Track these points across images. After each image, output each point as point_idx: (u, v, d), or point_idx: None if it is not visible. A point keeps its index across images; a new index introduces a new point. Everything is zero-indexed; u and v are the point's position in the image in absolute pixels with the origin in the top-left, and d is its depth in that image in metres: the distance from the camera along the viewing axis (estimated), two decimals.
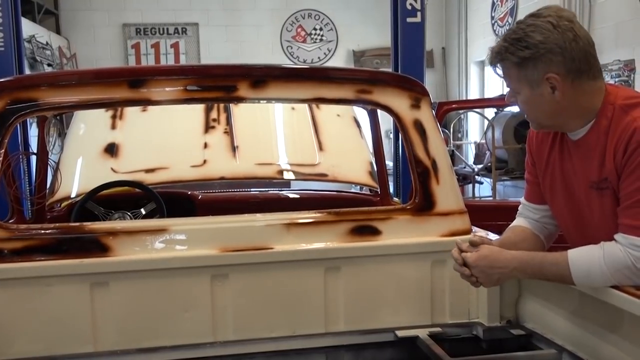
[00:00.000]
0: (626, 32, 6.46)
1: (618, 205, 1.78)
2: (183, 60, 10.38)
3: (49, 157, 3.56)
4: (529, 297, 2.28)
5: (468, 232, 2.33)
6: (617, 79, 6.48)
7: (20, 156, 3.73)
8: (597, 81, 1.83)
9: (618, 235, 1.75)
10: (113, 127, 3.95)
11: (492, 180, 7.15)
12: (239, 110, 4.07)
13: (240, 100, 2.40)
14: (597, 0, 6.91)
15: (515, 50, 1.79)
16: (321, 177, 4.04)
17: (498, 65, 1.87)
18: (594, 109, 1.82)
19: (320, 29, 10.82)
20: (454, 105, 6.68)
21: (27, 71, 6.44)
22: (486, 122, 7.96)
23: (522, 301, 2.31)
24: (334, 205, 2.55)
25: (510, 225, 2.16)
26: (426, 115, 2.37)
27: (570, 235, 2.03)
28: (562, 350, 2.03)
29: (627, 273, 1.72)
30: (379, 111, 2.90)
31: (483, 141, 8.26)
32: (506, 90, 1.95)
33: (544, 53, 1.76)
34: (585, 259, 1.78)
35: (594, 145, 1.83)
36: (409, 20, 4.87)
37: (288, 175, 4.18)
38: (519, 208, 2.17)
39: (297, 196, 4.26)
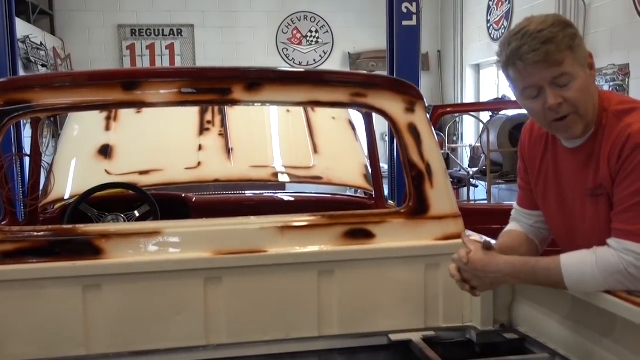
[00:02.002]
0: (621, 36, 6.48)
1: (612, 211, 1.78)
2: (178, 62, 10.36)
3: (43, 158, 3.55)
4: (522, 301, 2.28)
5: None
6: (611, 84, 6.50)
7: (14, 157, 3.71)
8: None
9: (611, 240, 1.74)
10: (107, 128, 3.94)
11: (487, 183, 7.17)
12: (233, 113, 4.07)
13: (235, 102, 2.40)
14: (592, 4, 6.93)
15: (565, 29, 1.71)
16: (316, 179, 4.04)
17: (532, 60, 1.69)
18: (596, 105, 1.80)
19: (316, 31, 10.81)
20: (448, 109, 6.71)
21: (21, 72, 6.41)
22: (481, 126, 7.98)
23: (516, 305, 2.31)
24: (328, 208, 2.55)
25: (505, 230, 2.15)
26: (421, 119, 2.37)
27: (561, 241, 2.03)
28: (555, 354, 2.03)
29: (619, 278, 1.71)
30: (374, 114, 2.90)
31: (478, 144, 8.27)
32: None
33: (578, 32, 1.76)
34: (577, 264, 1.77)
35: (589, 152, 1.83)
36: (404, 23, 4.87)
37: (283, 178, 4.17)
38: (512, 213, 2.17)
39: (292, 199, 4.25)
